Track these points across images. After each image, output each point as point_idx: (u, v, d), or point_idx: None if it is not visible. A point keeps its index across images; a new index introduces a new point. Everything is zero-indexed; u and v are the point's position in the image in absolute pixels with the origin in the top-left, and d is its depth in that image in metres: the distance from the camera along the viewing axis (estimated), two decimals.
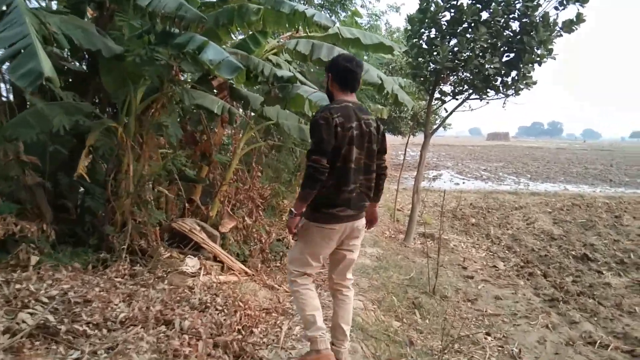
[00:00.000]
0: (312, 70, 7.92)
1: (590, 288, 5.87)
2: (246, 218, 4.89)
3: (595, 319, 4.94)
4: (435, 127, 9.84)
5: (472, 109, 8.21)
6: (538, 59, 6.91)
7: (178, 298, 3.28)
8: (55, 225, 4.00)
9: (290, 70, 4.95)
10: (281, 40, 5.65)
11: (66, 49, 4.17)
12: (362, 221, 2.86)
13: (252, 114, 5.23)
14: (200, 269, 3.91)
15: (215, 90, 4.68)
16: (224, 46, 4.41)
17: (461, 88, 7.71)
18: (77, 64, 4.09)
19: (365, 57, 10.89)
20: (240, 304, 3.51)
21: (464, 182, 18.59)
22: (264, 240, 5.64)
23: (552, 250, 7.85)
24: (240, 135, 4.90)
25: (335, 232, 2.74)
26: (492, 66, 6.81)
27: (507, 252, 7.79)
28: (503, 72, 7.03)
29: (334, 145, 2.59)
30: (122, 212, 4.02)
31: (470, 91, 7.52)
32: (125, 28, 3.93)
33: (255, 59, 4.47)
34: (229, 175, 4.82)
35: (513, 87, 7.22)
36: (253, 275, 4.45)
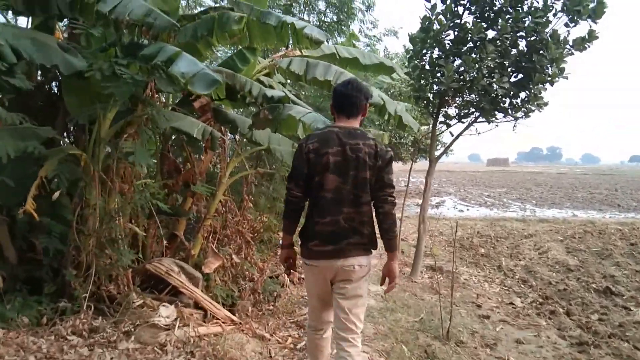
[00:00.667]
0: (308, 93, 7.48)
1: (621, 328, 5.24)
2: (234, 256, 4.32)
3: None
4: (440, 152, 9.28)
5: (478, 133, 7.74)
6: (549, 78, 6.45)
7: None
8: (20, 268, 3.49)
9: (283, 92, 4.46)
10: (274, 59, 5.19)
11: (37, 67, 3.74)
12: (353, 261, 2.48)
13: (243, 139, 4.72)
14: (176, 319, 3.33)
15: (197, 113, 4.19)
16: (206, 63, 3.94)
17: (467, 111, 7.24)
18: (30, 82, 3.59)
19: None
20: None
21: (468, 209, 18.01)
22: (256, 279, 5.06)
23: (571, 283, 7.23)
24: (227, 162, 4.38)
25: (318, 270, 2.55)
26: (500, 86, 6.35)
27: (522, 286, 7.16)
28: (512, 93, 6.57)
29: (307, 173, 2.50)
30: (88, 253, 3.47)
31: (477, 114, 7.05)
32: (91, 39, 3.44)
33: (243, 78, 3.99)
34: (213, 207, 4.28)
35: (523, 109, 6.76)
36: (240, 323, 3.85)
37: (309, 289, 2.75)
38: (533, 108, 6.71)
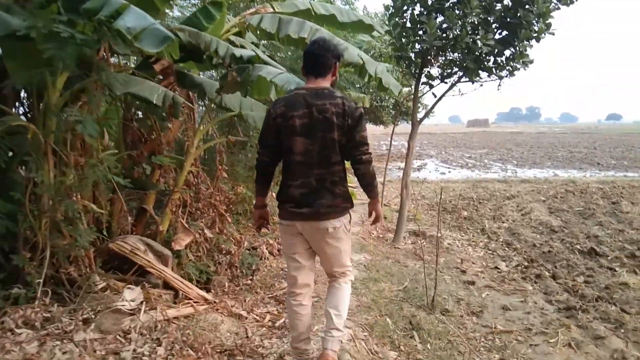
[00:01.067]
0: (284, 55, 7.09)
1: (608, 291, 5.16)
2: (206, 230, 4.04)
3: (623, 330, 4.23)
4: (422, 114, 8.89)
5: (462, 94, 7.47)
6: (535, 34, 6.17)
7: (104, 353, 2.44)
8: None
9: (254, 51, 4.08)
10: (244, 17, 4.78)
11: None
12: (327, 224, 2.50)
13: (212, 105, 4.36)
14: (142, 302, 3.07)
15: (159, 77, 3.81)
16: (162, 21, 3.55)
17: (450, 70, 6.94)
18: None
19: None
20: (192, 351, 2.69)
21: (449, 171, 17.93)
22: (233, 252, 4.83)
23: (555, 245, 7.16)
24: (195, 130, 4.03)
25: (293, 229, 2.58)
26: (485, 44, 6.05)
27: (507, 249, 7.07)
28: (496, 50, 6.27)
29: (276, 137, 2.52)
30: (42, 235, 3.16)
31: (460, 73, 6.76)
32: None
33: (208, 37, 3.61)
34: (182, 179, 3.97)
35: (508, 67, 6.49)
36: (215, 302, 3.61)
37: (285, 250, 2.74)
38: (518, 66, 6.45)
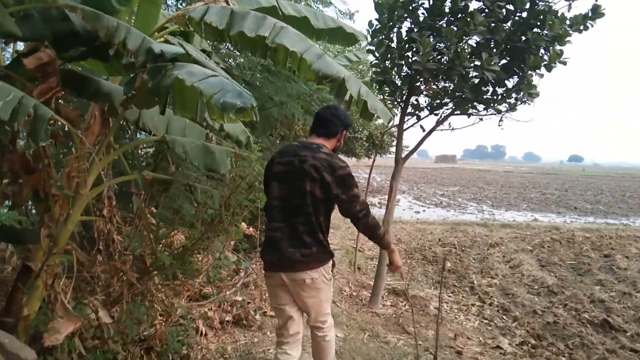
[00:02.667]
0: (245, 69, 5.87)
1: None
2: (101, 313, 2.66)
3: None
4: (409, 151, 7.53)
5: (452, 129, 6.30)
6: (546, 62, 5.16)
7: None
8: None
9: (184, 49, 2.77)
10: (186, 11, 3.51)
11: None
12: (303, 275, 2.51)
13: (126, 124, 3.03)
14: None
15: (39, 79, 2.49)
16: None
17: (439, 101, 5.86)
18: None
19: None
20: None
21: (424, 210, 16.89)
22: (156, 329, 3.45)
23: (560, 312, 6.02)
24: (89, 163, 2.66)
25: (276, 280, 2.60)
26: (488, 69, 4.97)
27: (505, 317, 5.87)
28: (498, 79, 5.21)
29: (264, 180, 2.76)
30: None
31: (452, 105, 5.67)
32: None
33: (113, 21, 2.34)
34: (65, 235, 2.59)
35: (510, 100, 5.44)
36: None
37: (271, 301, 2.81)
38: (525, 99, 5.41)
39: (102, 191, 2.82)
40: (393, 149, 23.10)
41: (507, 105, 5.53)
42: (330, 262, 2.65)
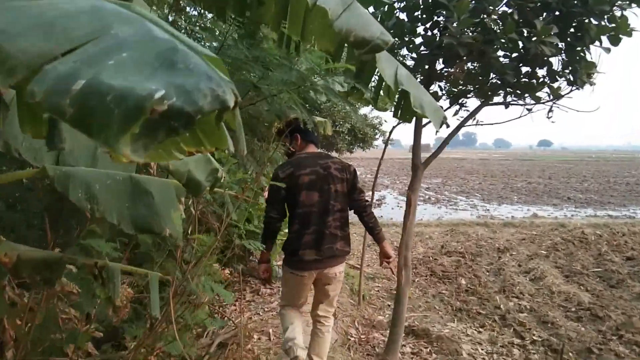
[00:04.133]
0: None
1: None
2: None
3: None
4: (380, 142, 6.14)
5: (478, 123, 4.92)
6: (612, 33, 3.86)
7: None
8: None
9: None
10: None
11: None
12: (335, 269, 3.01)
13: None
14: None
15: None
16: None
17: (464, 87, 4.52)
18: None
19: None
20: None
21: None
22: None
23: (620, 349, 4.80)
24: None
25: (303, 279, 2.99)
26: (543, 41, 3.66)
27: None
28: (554, 55, 3.87)
29: (285, 196, 2.98)
30: None
31: (485, 93, 4.31)
32: None
33: None
34: None
35: (565, 81, 4.12)
36: None
37: (291, 292, 3.14)
38: (585, 80, 4.09)
39: None
40: (376, 142, 21.88)
41: (547, 93, 4.23)
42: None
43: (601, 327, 5.46)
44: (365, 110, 19.74)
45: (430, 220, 12.72)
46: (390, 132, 5.72)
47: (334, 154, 18.48)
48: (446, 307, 6.07)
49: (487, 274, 7.72)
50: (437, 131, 4.22)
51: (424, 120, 4.33)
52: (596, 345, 4.91)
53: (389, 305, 5.97)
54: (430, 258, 8.53)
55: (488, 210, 15.10)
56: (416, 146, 4.59)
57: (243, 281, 5.81)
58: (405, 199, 4.68)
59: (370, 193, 5.87)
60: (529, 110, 4.16)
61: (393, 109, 2.82)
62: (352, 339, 4.73)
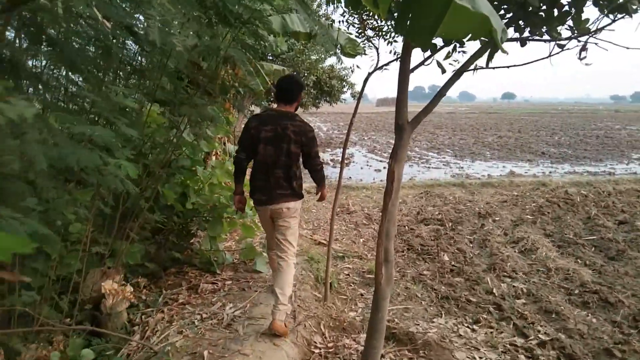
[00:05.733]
0: None
1: None
2: None
3: None
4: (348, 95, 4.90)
5: (477, 68, 3.70)
6: None
7: None
8: None
9: None
10: None
11: None
12: (284, 205, 3.50)
13: None
14: None
15: None
16: None
17: None
18: None
19: None
20: None
21: (384, 167, 14.63)
22: None
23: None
24: None
25: (261, 213, 3.64)
26: None
27: None
28: None
29: (250, 143, 3.50)
30: None
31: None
32: None
33: None
34: None
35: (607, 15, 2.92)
36: None
37: (261, 224, 3.86)
38: (633, 6, 2.92)
39: None
40: (344, 96, 20.49)
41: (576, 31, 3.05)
42: (300, 202, 3.61)
43: (615, 316, 4.57)
44: (330, 61, 18.23)
45: (403, 182, 11.71)
46: (365, 81, 4.47)
47: (299, 110, 17.13)
48: (429, 293, 5.05)
49: (471, 245, 6.76)
50: (444, 72, 3.19)
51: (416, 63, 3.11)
52: (616, 345, 4.00)
53: (362, 295, 4.92)
54: (406, 228, 7.52)
55: (462, 167, 14.23)
56: (401, 100, 3.37)
57: (179, 273, 4.62)
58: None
59: (341, 151, 4.98)
60: (561, 47, 2.97)
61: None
62: (316, 351, 3.65)
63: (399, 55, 3.98)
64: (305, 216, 8.11)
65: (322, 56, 15.53)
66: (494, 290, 5.11)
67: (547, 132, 27.72)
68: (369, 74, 4.26)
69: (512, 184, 11.03)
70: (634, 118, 47.90)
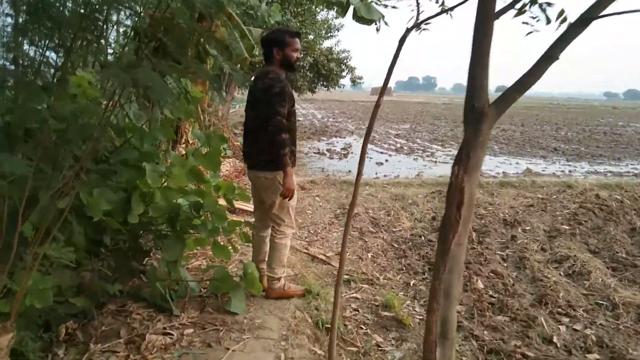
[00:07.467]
0: None
1: None
2: None
3: None
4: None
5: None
6: None
7: None
8: None
9: None
10: None
11: None
12: (260, 174, 3.33)
13: None
14: None
15: None
16: None
17: None
18: None
19: None
20: None
21: (386, 160, 13.23)
22: None
23: None
24: None
25: (250, 178, 3.54)
26: None
27: None
28: None
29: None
30: None
31: None
32: None
33: None
34: None
35: None
36: None
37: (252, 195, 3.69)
38: None
39: None
40: (343, 81, 19.02)
41: None
42: (279, 174, 3.23)
43: None
44: (329, 43, 16.73)
45: (410, 178, 10.34)
46: (402, 41, 3.05)
47: (295, 94, 15.70)
48: (470, 344, 3.68)
49: (505, 265, 5.43)
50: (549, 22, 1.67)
51: None
52: None
53: (379, 347, 3.55)
54: (422, 239, 6.16)
55: None
56: (482, 65, 2.01)
57: (120, 312, 3.22)
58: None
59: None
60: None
61: None
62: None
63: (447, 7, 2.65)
64: (297, 220, 6.73)
65: (322, 32, 14.09)
66: (554, 339, 3.78)
67: (552, 127, 26.48)
68: (407, 31, 2.85)
69: (535, 184, 9.70)
70: (633, 115, 47.01)
